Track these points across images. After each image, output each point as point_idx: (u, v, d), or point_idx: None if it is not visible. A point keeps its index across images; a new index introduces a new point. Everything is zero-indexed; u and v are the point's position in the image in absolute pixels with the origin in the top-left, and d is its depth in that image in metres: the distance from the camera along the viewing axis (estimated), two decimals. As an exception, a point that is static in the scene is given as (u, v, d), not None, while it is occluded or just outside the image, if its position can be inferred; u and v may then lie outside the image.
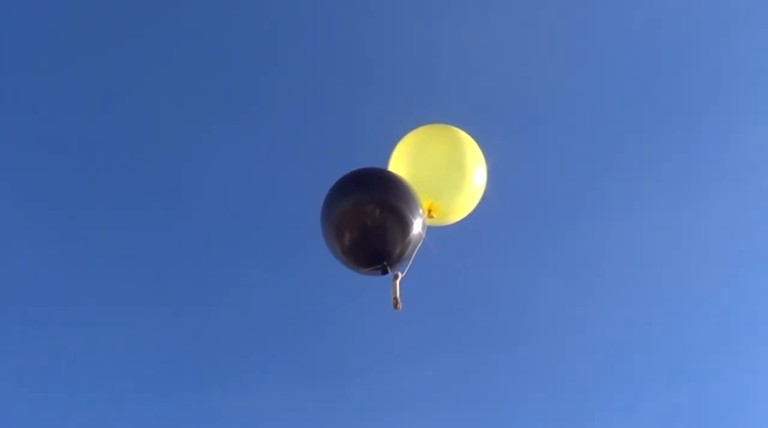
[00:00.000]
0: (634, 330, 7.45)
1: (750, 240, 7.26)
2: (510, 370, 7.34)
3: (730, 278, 7.25)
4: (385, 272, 2.31)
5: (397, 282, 2.33)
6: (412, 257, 2.36)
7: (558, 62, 6.88)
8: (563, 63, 6.86)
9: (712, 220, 7.21)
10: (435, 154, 2.76)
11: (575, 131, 7.03)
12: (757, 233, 7.24)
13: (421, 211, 2.39)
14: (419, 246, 2.37)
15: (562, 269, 7.59)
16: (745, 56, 7.36)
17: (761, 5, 7.62)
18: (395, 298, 2.31)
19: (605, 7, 7.58)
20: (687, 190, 7.26)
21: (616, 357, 7.69)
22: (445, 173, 2.72)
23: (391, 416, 7.67)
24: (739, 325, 7.43)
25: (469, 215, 2.78)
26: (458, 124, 2.86)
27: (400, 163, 2.75)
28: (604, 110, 6.98)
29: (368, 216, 2.32)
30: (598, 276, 7.35)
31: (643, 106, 7.08)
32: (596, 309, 7.56)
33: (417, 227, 2.34)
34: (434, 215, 2.64)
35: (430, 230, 2.47)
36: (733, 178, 7.28)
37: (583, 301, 8.81)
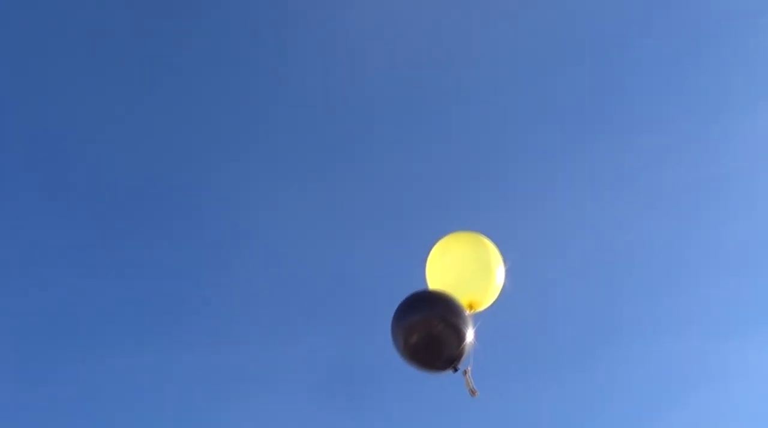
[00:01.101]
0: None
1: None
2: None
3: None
4: (456, 370, 3.06)
5: (468, 375, 3.07)
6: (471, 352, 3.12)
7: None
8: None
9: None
10: (465, 259, 3.45)
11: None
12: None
13: (468, 317, 3.14)
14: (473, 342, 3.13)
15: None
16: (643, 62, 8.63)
17: (658, 11, 8.69)
18: (471, 389, 3.08)
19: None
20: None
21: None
22: (478, 275, 3.40)
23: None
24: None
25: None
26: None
27: (436, 272, 3.43)
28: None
29: (438, 335, 3.09)
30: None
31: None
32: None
33: (470, 334, 3.11)
34: (475, 308, 3.32)
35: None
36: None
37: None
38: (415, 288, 3.21)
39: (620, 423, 10.71)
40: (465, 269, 3.39)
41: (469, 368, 3.10)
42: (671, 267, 12.49)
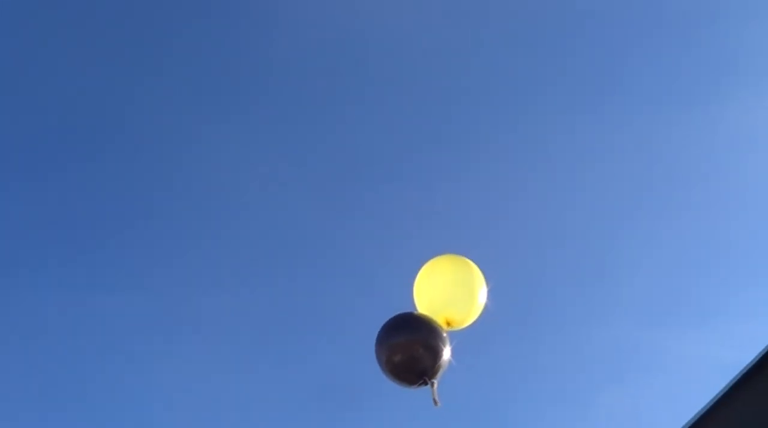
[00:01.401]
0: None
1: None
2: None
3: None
4: (426, 383, 3.41)
5: (435, 387, 3.42)
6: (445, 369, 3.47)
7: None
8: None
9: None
10: (447, 281, 3.73)
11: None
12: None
13: (445, 336, 3.48)
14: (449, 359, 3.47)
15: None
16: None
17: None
18: (435, 400, 3.42)
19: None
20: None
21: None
22: (457, 295, 3.67)
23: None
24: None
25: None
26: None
27: (422, 292, 3.71)
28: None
29: (419, 357, 3.46)
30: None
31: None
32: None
33: (446, 353, 3.45)
34: (452, 326, 3.58)
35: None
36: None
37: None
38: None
39: (553, 406, 12.02)
40: (450, 292, 3.67)
41: (436, 381, 3.47)
42: (605, 257, 13.06)
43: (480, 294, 3.64)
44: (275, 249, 12.70)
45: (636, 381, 13.76)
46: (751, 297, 13.64)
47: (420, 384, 3.45)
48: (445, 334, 3.52)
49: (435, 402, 3.45)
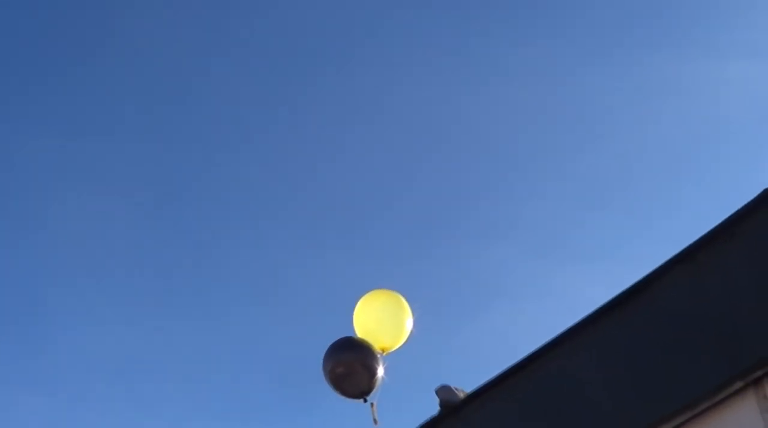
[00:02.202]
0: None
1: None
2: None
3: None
4: (365, 401, 4.34)
5: (374, 407, 4.35)
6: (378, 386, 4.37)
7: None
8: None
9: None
10: (378, 315, 4.66)
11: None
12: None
13: (379, 358, 4.47)
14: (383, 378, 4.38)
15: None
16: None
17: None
18: (374, 419, 4.32)
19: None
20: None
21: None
22: (388, 327, 4.58)
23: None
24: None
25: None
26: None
27: (359, 323, 4.62)
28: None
29: (356, 373, 4.37)
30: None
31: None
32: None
33: (380, 371, 4.39)
34: (385, 351, 4.60)
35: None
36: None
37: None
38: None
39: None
40: (383, 325, 4.58)
41: (375, 402, 4.44)
42: (504, 181, 13.78)
43: (407, 324, 4.66)
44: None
45: (511, 306, 14.14)
46: (640, 243, 14.03)
47: (358, 397, 4.47)
48: (380, 356, 4.48)
49: (375, 422, 4.38)
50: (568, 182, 14.12)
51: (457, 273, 14.23)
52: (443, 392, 5.40)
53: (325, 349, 4.50)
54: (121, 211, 14.28)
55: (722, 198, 13.02)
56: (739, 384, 3.94)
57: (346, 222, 14.77)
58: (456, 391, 5.39)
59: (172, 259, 14.98)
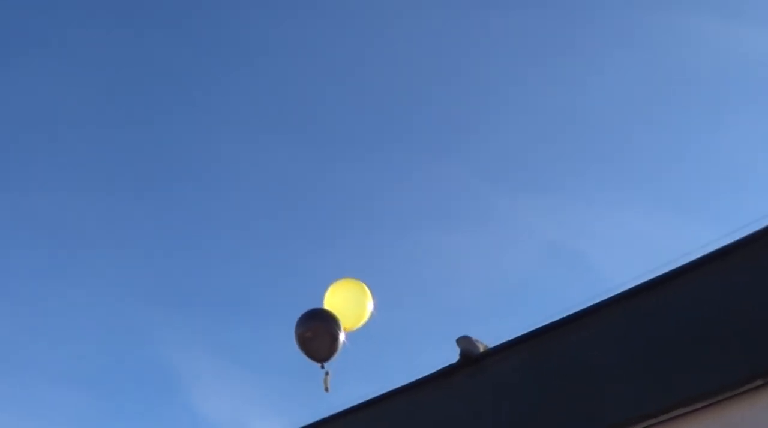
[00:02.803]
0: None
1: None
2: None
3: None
4: (322, 367, 4.83)
5: (328, 377, 4.86)
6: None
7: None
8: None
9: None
10: (346, 298, 5.27)
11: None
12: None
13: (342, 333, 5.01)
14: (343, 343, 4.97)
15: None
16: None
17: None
18: (326, 387, 4.81)
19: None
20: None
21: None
22: (351, 308, 5.19)
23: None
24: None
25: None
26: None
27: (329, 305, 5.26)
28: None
29: (323, 338, 4.91)
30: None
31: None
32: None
33: (341, 344, 4.94)
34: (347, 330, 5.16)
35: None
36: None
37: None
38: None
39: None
40: (347, 307, 5.21)
41: (330, 372, 4.92)
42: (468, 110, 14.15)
43: (368, 308, 5.27)
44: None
45: (455, 226, 14.52)
46: (592, 182, 14.28)
47: (318, 362, 4.94)
48: (343, 330, 5.10)
49: (326, 389, 4.86)
50: (530, 115, 14.14)
51: (403, 186, 14.48)
52: (464, 342, 5.67)
53: (301, 314, 5.22)
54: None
55: (672, 140, 13.26)
56: (758, 382, 4.16)
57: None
58: (476, 343, 5.66)
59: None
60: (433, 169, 14.20)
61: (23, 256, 15.98)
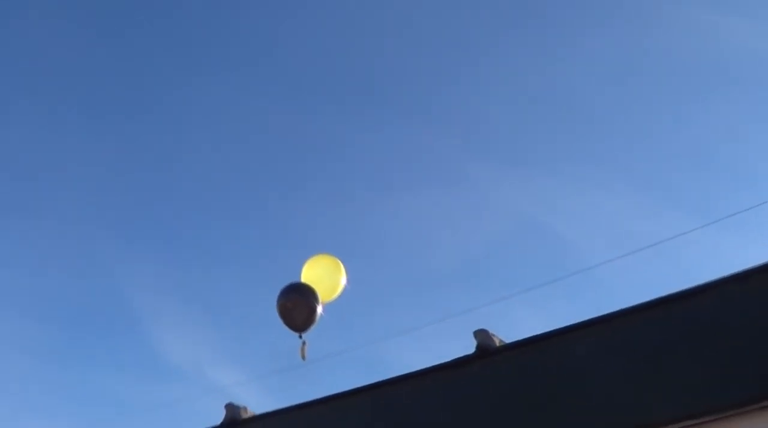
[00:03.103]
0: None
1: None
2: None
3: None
4: (300, 336, 5.02)
5: (305, 345, 5.05)
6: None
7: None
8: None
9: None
10: (321, 272, 5.53)
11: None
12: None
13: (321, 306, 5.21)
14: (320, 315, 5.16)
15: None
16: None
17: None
18: (303, 355, 5.04)
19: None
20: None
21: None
22: (326, 282, 5.45)
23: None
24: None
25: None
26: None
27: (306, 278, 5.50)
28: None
29: (302, 309, 5.11)
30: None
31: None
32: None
33: (318, 313, 5.13)
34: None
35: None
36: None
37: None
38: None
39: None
40: (322, 281, 5.49)
41: (307, 341, 5.14)
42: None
43: (342, 282, 5.52)
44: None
45: (427, 190, 14.99)
46: (569, 158, 14.79)
47: (296, 332, 5.18)
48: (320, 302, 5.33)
49: (302, 357, 5.11)
50: (513, 88, 14.39)
51: (380, 145, 14.78)
52: (481, 335, 5.95)
53: (284, 287, 5.57)
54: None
55: (652, 127, 13.72)
56: (766, 403, 4.52)
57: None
58: (492, 337, 5.94)
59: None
60: (411, 133, 14.30)
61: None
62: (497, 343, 5.91)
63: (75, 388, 16.68)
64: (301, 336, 5.17)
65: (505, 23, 14.44)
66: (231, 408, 6.95)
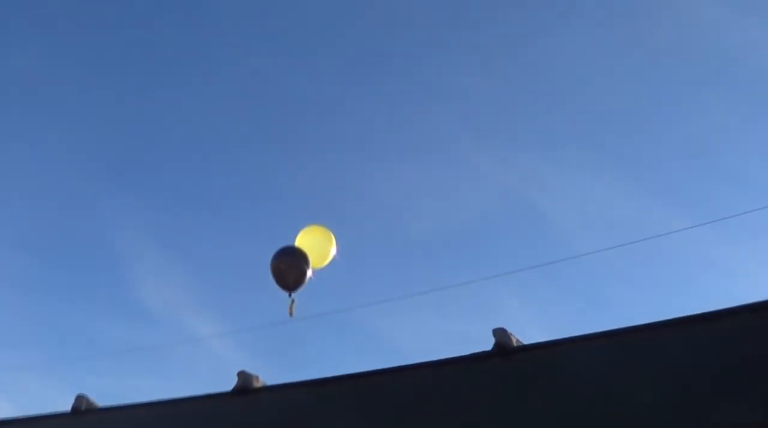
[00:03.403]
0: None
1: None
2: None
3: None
4: (290, 295, 5.73)
5: (293, 303, 5.73)
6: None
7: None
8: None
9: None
10: (314, 241, 6.04)
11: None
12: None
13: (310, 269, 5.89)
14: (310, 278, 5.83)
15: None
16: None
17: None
18: (291, 312, 5.70)
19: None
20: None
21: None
22: (317, 250, 5.96)
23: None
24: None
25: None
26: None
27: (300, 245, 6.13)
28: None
29: (293, 270, 5.76)
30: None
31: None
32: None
33: (308, 276, 5.78)
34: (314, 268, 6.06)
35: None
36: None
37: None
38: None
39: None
40: (314, 249, 6.00)
41: (295, 299, 5.75)
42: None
43: (331, 252, 6.12)
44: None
45: (416, 160, 15.29)
46: (562, 140, 15.07)
47: (287, 290, 5.70)
48: (311, 267, 5.92)
49: (290, 314, 5.73)
50: (511, 66, 14.47)
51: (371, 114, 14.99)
52: (500, 334, 6.13)
53: (278, 249, 6.13)
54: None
55: (652, 119, 13.94)
56: None
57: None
58: (511, 336, 6.13)
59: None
60: (408, 102, 14.38)
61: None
62: (514, 343, 6.10)
63: (48, 322, 16.76)
64: (290, 295, 5.87)
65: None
66: (243, 375, 7.09)
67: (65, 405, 8.24)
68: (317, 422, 6.36)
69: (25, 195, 16.80)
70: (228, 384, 6.99)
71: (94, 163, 16.18)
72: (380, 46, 14.68)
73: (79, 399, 8.16)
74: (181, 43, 15.31)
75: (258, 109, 15.46)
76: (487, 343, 6.06)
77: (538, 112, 14.88)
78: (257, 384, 7.06)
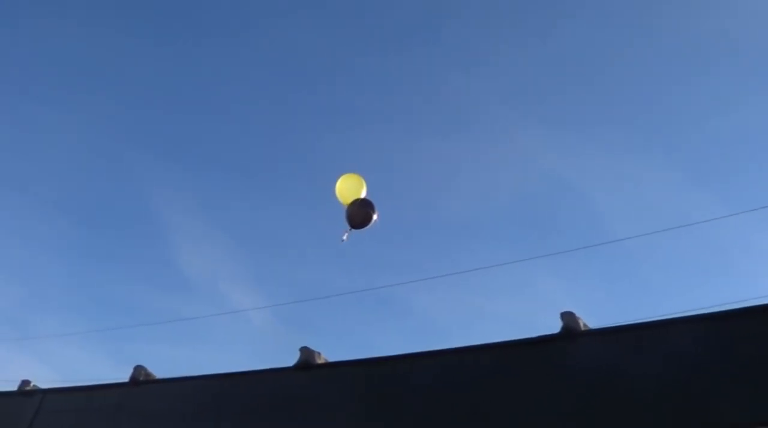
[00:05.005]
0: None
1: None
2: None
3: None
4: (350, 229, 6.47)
5: (348, 234, 6.40)
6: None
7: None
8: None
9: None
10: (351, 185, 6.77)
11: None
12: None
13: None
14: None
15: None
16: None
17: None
18: (344, 239, 6.37)
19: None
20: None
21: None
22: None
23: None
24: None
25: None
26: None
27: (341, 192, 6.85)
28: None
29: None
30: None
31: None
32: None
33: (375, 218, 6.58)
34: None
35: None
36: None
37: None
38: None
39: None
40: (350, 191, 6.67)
41: (350, 232, 6.34)
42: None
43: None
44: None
45: (459, 136, 15.42)
46: (610, 126, 15.09)
47: (352, 227, 6.37)
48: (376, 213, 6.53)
49: (343, 240, 6.33)
50: (562, 50, 14.52)
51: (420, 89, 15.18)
52: (567, 317, 6.21)
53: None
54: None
55: (700, 109, 13.92)
56: None
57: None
58: (578, 320, 6.21)
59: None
60: (453, 80, 14.44)
61: (26, 82, 15.63)
62: (582, 327, 6.17)
63: (89, 287, 17.06)
64: (350, 230, 6.15)
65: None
66: (306, 351, 7.23)
67: (107, 372, 8.40)
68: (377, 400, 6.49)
69: (75, 164, 17.06)
70: (267, 358, 7.14)
71: (136, 131, 16.36)
72: (425, 20, 14.66)
73: (138, 369, 8.34)
74: (221, 15, 15.35)
75: (301, 80, 15.53)
76: (526, 324, 6.13)
77: (580, 93, 14.84)
78: (319, 360, 7.19)
